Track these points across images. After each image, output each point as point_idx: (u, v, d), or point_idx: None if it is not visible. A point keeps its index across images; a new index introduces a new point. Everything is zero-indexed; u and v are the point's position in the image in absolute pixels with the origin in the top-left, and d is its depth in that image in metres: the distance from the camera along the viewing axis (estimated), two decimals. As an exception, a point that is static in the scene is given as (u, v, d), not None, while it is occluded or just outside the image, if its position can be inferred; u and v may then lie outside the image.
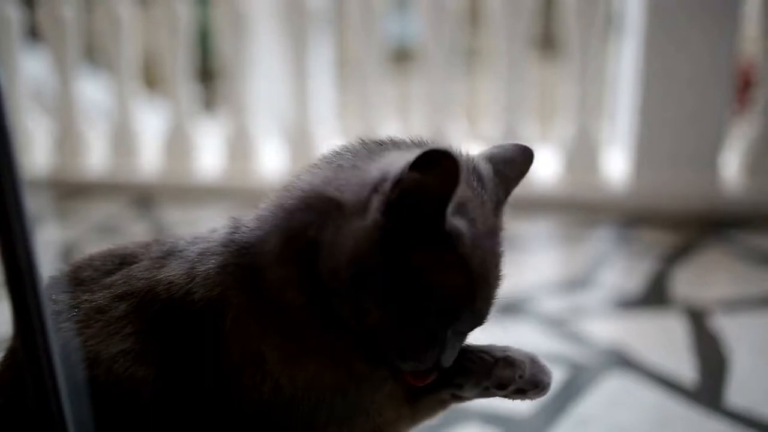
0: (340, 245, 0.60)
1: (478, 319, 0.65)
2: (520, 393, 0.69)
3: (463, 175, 0.60)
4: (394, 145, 0.67)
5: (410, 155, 0.58)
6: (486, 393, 0.70)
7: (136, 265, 0.68)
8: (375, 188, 0.60)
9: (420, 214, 0.58)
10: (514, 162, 0.71)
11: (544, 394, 0.69)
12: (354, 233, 0.60)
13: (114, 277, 0.67)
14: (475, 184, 0.65)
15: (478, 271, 0.62)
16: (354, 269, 0.60)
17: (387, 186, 0.59)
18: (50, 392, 0.54)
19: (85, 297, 0.66)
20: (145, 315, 0.65)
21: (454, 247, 0.60)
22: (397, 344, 0.62)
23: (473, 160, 0.67)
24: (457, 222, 0.60)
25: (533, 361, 0.69)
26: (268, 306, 0.63)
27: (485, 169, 0.67)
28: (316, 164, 0.69)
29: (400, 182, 0.58)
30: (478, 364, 0.68)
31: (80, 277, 0.68)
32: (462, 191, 0.60)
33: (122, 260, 0.69)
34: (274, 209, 0.66)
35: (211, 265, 0.65)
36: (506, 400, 0.70)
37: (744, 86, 2.54)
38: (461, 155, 0.64)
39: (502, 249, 0.67)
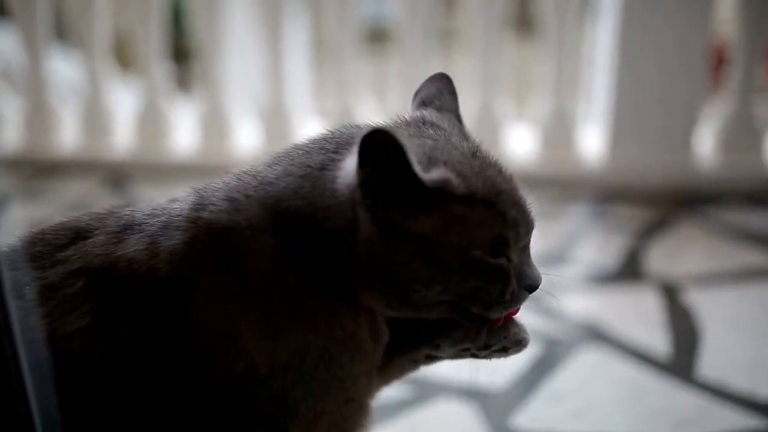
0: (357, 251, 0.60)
1: (526, 225, 0.64)
2: (503, 351, 0.70)
3: (405, 133, 0.62)
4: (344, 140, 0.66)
5: (351, 156, 0.59)
6: (463, 354, 0.71)
7: (91, 240, 0.64)
8: (353, 201, 0.60)
9: (399, 195, 0.58)
10: (440, 91, 0.73)
11: (522, 351, 0.71)
12: (366, 246, 0.60)
13: (67, 252, 0.64)
14: (429, 131, 0.65)
15: (488, 193, 0.61)
16: (381, 271, 0.60)
17: (357, 195, 0.59)
18: (12, 373, 0.52)
19: (36, 274, 0.62)
20: (105, 292, 0.61)
21: (450, 194, 0.59)
22: (475, 302, 0.62)
23: (412, 117, 0.69)
24: (434, 173, 0.59)
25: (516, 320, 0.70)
26: (243, 282, 0.61)
27: (427, 113, 0.69)
28: (276, 156, 0.68)
29: (363, 185, 0.58)
30: (462, 325, 0.69)
31: (31, 253, 0.64)
32: (417, 147, 0.60)
33: (76, 234, 0.65)
34: (250, 183, 0.64)
35: (177, 241, 0.62)
36: (481, 361, 0.71)
37: (718, 65, 2.56)
38: (390, 123, 0.66)
39: (491, 157, 0.66)
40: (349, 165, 0.60)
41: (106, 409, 0.60)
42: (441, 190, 0.59)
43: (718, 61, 2.57)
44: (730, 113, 2.19)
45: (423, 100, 0.73)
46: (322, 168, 0.62)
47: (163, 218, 0.65)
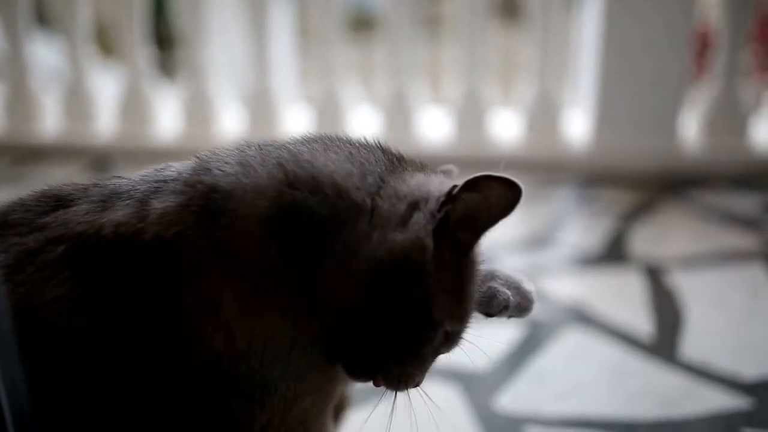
0: (365, 248, 0.61)
1: (456, 338, 0.68)
2: (505, 311, 0.72)
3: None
4: (401, 159, 0.69)
5: (448, 179, 0.65)
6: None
7: (74, 208, 0.62)
8: (415, 205, 0.62)
9: (468, 231, 0.64)
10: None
11: (527, 315, 0.75)
12: (391, 244, 0.61)
13: (47, 219, 0.62)
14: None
15: (473, 286, 0.67)
16: (389, 277, 0.61)
17: (432, 206, 0.62)
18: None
19: (14, 240, 0.60)
20: (86, 258, 0.59)
21: (474, 260, 0.66)
22: (393, 349, 0.64)
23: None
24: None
25: (517, 289, 0.73)
26: (233, 252, 0.60)
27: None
28: (319, 141, 0.68)
29: (452, 202, 0.63)
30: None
31: (9, 221, 0.62)
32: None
33: (58, 201, 0.63)
34: (269, 165, 0.63)
35: (170, 203, 0.60)
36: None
37: (702, 49, 2.56)
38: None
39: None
40: (418, 181, 0.65)
41: (84, 378, 0.59)
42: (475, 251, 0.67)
43: (703, 46, 2.58)
44: (714, 97, 2.20)
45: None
46: (377, 190, 0.64)
47: (155, 183, 0.63)
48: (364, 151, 0.67)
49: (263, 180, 0.62)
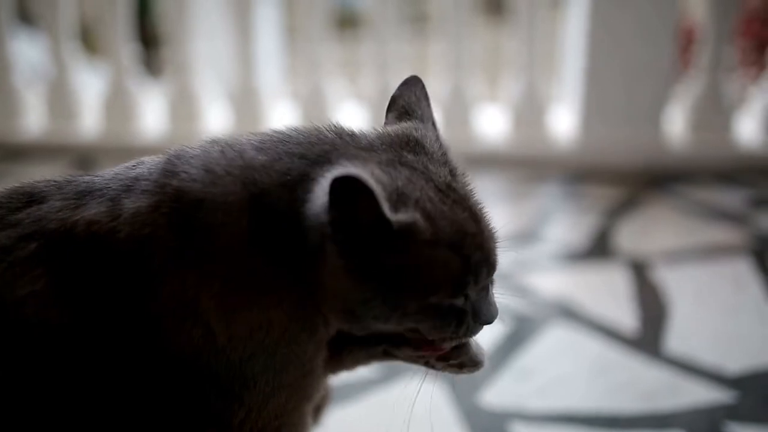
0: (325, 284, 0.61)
1: (488, 267, 0.64)
2: (459, 368, 0.70)
3: (378, 161, 0.61)
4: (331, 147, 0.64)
5: (323, 184, 0.58)
6: (418, 360, 0.71)
7: (47, 204, 0.62)
8: (322, 233, 0.58)
9: (367, 235, 0.57)
10: (418, 98, 0.73)
11: (475, 372, 0.72)
12: (329, 276, 0.60)
13: (20, 216, 0.61)
14: (408, 156, 0.64)
15: (454, 237, 0.60)
16: (341, 301, 0.61)
17: (327, 230, 0.58)
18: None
19: None
20: (60, 255, 0.59)
21: (416, 237, 0.58)
22: (429, 333, 0.64)
23: (396, 134, 0.67)
24: (402, 216, 0.58)
25: (475, 341, 0.71)
26: (208, 255, 0.60)
27: (413, 130, 0.68)
28: (269, 134, 0.66)
29: (332, 223, 0.57)
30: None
31: None
32: (390, 181, 0.59)
33: (30, 198, 0.63)
34: (235, 161, 0.62)
35: (142, 203, 0.60)
36: (436, 372, 0.72)
37: (687, 45, 2.57)
38: (366, 149, 0.64)
39: (466, 189, 0.65)
40: (320, 196, 0.58)
41: (58, 374, 0.59)
42: (407, 232, 0.58)
43: (688, 42, 2.58)
44: (699, 92, 2.21)
45: (405, 109, 0.71)
46: (301, 178, 0.60)
47: (127, 181, 0.63)
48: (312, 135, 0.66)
49: (230, 184, 0.61)
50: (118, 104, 2.48)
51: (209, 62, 2.82)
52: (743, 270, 1.53)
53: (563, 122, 2.35)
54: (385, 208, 0.56)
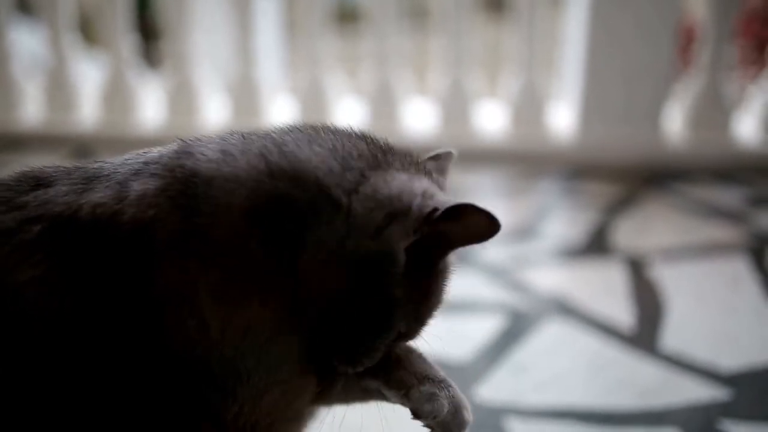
0: (338, 249, 0.61)
1: (412, 335, 0.69)
2: (431, 428, 0.69)
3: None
4: (387, 152, 0.67)
5: (435, 193, 0.63)
6: (405, 403, 0.70)
7: (54, 188, 0.61)
8: (392, 216, 0.61)
9: (439, 249, 0.64)
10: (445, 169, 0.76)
11: None
12: (365, 251, 0.61)
13: (26, 198, 0.60)
14: None
15: (438, 294, 0.67)
16: (358, 280, 0.61)
17: (410, 225, 0.61)
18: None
19: None
20: (63, 239, 0.58)
21: (437, 277, 0.66)
22: (352, 348, 0.65)
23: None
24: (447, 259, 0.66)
25: (456, 411, 0.69)
26: (211, 242, 0.59)
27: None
28: (304, 132, 0.66)
29: (429, 225, 0.62)
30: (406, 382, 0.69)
31: None
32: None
33: (38, 182, 0.62)
34: (251, 154, 0.62)
35: (150, 186, 0.59)
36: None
37: (687, 44, 2.57)
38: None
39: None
40: (399, 184, 0.63)
41: (57, 360, 0.58)
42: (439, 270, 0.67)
43: (688, 40, 2.58)
44: (698, 91, 2.21)
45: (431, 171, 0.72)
46: (356, 188, 0.62)
47: (137, 166, 0.62)
48: (349, 143, 0.66)
49: (243, 169, 0.61)
50: (117, 95, 2.47)
51: (209, 55, 2.82)
52: (740, 268, 1.53)
53: (562, 119, 2.35)
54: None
